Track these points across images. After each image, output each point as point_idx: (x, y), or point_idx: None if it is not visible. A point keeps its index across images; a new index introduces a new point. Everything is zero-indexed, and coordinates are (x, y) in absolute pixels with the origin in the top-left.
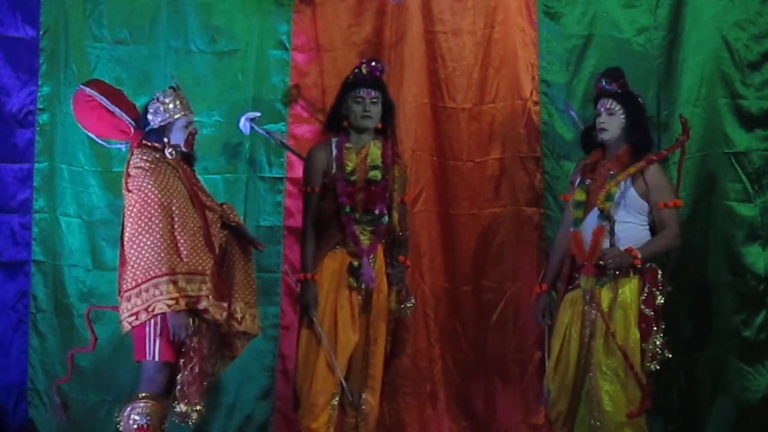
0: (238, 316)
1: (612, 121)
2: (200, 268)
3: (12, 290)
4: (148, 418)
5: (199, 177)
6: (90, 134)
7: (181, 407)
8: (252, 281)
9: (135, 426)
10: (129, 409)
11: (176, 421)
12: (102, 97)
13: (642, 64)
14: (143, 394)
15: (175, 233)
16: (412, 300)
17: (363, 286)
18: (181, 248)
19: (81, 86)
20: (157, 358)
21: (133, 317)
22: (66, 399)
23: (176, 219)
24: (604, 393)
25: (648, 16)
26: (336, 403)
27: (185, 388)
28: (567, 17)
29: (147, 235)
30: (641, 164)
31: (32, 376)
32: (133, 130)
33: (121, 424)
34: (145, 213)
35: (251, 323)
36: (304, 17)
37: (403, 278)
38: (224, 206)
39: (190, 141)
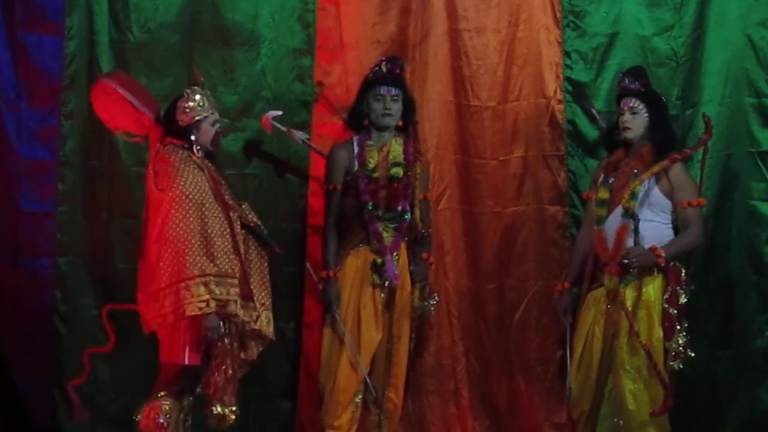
0: (254, 315)
1: (635, 120)
2: (230, 270)
3: (37, 288)
4: (168, 416)
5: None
6: (109, 126)
7: (218, 409)
8: (267, 282)
9: (155, 425)
10: (148, 408)
11: (212, 424)
12: (123, 89)
13: (666, 63)
14: (162, 393)
15: (207, 234)
16: (436, 297)
17: (386, 284)
18: (212, 249)
19: (102, 77)
20: (186, 362)
21: (162, 318)
22: (81, 398)
23: (207, 219)
24: (627, 392)
25: (672, 14)
26: (359, 400)
27: (220, 390)
28: (591, 16)
29: (178, 236)
30: (665, 163)
31: (58, 377)
32: (153, 124)
33: (141, 423)
34: (178, 212)
35: (267, 325)
36: (328, 15)
37: (427, 275)
38: (243, 206)
39: (216, 139)
